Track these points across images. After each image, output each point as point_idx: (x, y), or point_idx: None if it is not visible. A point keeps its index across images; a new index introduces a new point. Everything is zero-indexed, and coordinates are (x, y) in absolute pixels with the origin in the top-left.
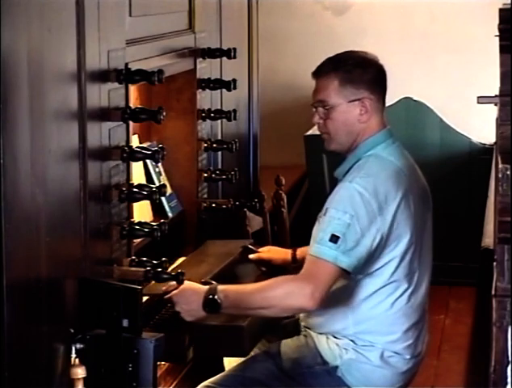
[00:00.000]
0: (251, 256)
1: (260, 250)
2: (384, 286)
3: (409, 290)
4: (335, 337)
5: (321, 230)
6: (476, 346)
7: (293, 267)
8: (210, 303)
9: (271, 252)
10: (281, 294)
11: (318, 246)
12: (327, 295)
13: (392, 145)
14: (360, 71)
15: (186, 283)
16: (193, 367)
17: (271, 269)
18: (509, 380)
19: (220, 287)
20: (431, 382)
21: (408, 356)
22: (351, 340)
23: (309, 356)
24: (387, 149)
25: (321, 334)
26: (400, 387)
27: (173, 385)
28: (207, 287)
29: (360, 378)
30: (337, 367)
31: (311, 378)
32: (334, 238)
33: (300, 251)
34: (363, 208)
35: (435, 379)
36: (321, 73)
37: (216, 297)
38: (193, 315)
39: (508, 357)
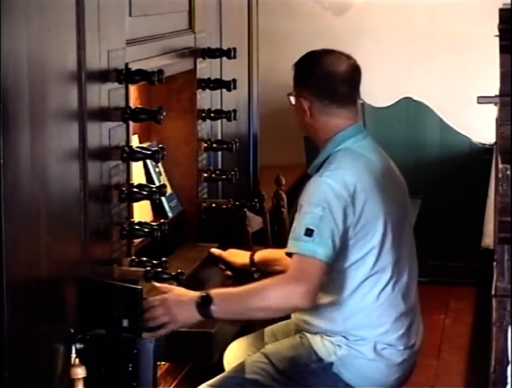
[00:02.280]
0: (215, 257)
1: (222, 253)
2: (367, 278)
3: (392, 280)
4: (328, 335)
5: (297, 226)
6: (476, 346)
7: (253, 270)
8: (204, 302)
9: (231, 255)
10: (275, 296)
11: (295, 243)
12: (317, 290)
13: (363, 140)
14: (306, 73)
15: (170, 287)
16: (193, 367)
17: (235, 272)
18: (509, 380)
19: (213, 290)
20: (431, 382)
21: (401, 347)
22: (343, 336)
23: (305, 354)
24: (357, 143)
25: (315, 333)
26: (397, 379)
27: (173, 385)
28: (197, 292)
29: (356, 373)
30: (332, 363)
31: (308, 376)
32: (309, 232)
33: (258, 254)
34: (335, 199)
35: (435, 379)
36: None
37: (210, 294)
38: (184, 319)
39: (508, 357)
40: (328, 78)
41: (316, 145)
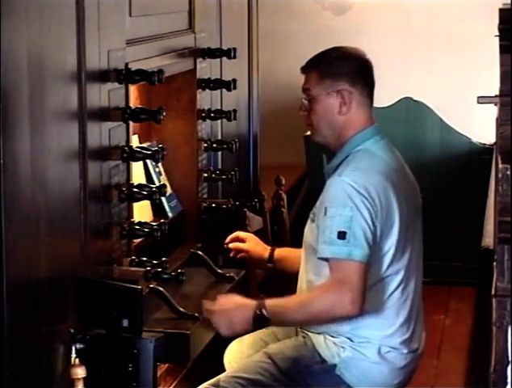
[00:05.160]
0: (231, 245)
1: (242, 235)
2: (380, 280)
3: (402, 285)
4: (332, 336)
5: (327, 230)
6: (476, 346)
7: (268, 266)
8: (259, 319)
9: (251, 242)
10: (324, 308)
11: (329, 247)
12: (364, 294)
13: (381, 141)
14: (340, 63)
15: (228, 296)
16: (193, 367)
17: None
18: (509, 380)
19: (268, 302)
20: (431, 382)
21: (405, 351)
22: (348, 338)
23: (308, 355)
24: (375, 144)
25: (318, 334)
26: (398, 383)
27: (173, 385)
28: (254, 302)
29: (359, 376)
30: (335, 365)
31: (310, 377)
32: (342, 235)
33: (278, 252)
34: (359, 198)
35: (435, 379)
36: (305, 67)
37: (264, 313)
38: (238, 330)
39: (508, 357)
40: (362, 65)
41: (327, 148)
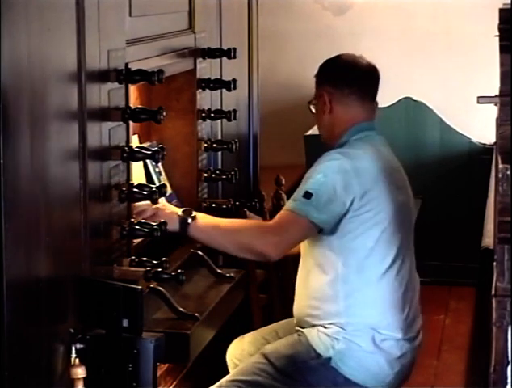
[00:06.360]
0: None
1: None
2: (371, 254)
3: (395, 265)
4: (324, 327)
5: (297, 190)
6: (476, 346)
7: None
8: (188, 212)
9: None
10: (248, 234)
11: (292, 202)
12: (290, 248)
13: (376, 137)
14: (326, 70)
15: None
16: (193, 367)
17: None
18: (509, 380)
19: (200, 214)
20: (431, 382)
21: (399, 336)
22: (340, 327)
23: (303, 351)
24: (369, 136)
25: (312, 327)
26: (396, 374)
27: (173, 385)
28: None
29: (354, 366)
30: (330, 358)
31: (307, 373)
32: (308, 195)
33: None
34: (338, 169)
35: (435, 379)
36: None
37: (189, 219)
38: (164, 216)
39: (508, 357)
40: (348, 68)
41: (327, 146)
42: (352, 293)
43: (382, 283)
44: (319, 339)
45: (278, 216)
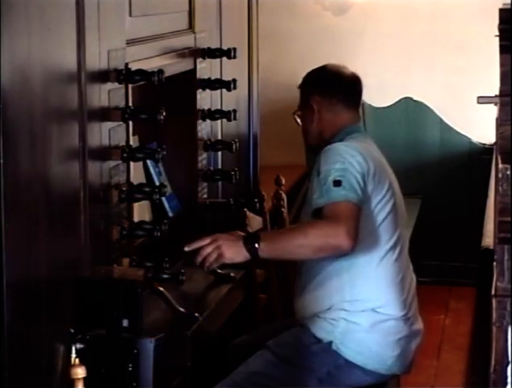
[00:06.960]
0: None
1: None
2: (374, 230)
3: (396, 249)
4: (325, 312)
5: (322, 184)
6: (476, 346)
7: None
8: (250, 238)
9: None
10: (316, 234)
11: (326, 195)
12: (357, 233)
13: (365, 139)
14: (313, 81)
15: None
16: (193, 367)
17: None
18: (509, 380)
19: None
20: (431, 382)
21: (398, 315)
22: (341, 309)
23: (304, 337)
24: (359, 136)
25: (312, 317)
26: (397, 357)
27: (173, 385)
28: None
29: (354, 347)
30: (331, 342)
31: (309, 358)
32: (337, 182)
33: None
34: (350, 154)
35: (435, 379)
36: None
37: (258, 232)
38: (231, 255)
39: (508, 357)
40: (335, 78)
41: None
42: (356, 273)
43: (382, 264)
44: (319, 324)
45: (324, 213)
